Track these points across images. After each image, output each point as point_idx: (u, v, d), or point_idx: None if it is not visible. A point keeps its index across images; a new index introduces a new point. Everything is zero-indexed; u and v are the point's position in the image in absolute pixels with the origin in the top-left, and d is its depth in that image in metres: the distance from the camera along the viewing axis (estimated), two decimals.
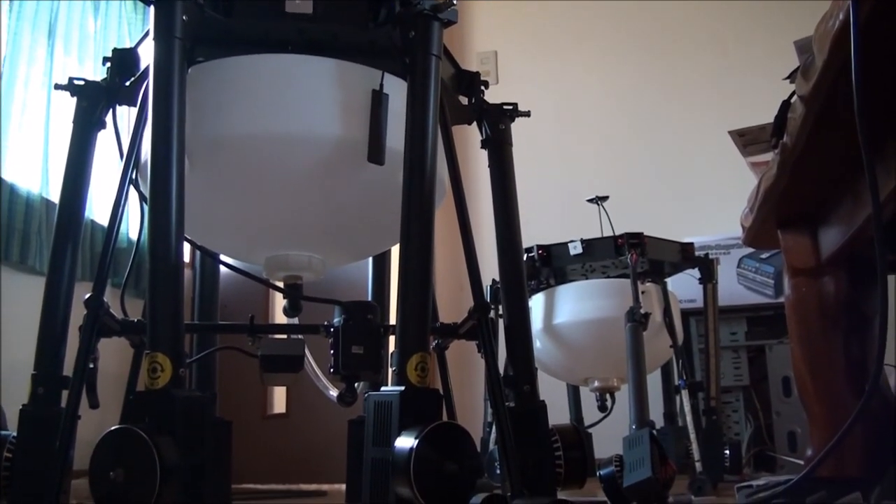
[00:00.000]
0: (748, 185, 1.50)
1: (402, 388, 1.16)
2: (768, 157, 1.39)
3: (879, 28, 0.83)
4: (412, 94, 1.33)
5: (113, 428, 1.06)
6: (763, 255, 3.06)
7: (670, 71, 3.80)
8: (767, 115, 1.24)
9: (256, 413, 3.46)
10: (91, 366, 1.31)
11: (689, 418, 2.31)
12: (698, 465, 2.19)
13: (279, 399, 3.51)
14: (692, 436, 2.25)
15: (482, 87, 1.63)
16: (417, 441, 1.04)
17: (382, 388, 1.23)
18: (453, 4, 1.38)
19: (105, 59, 1.54)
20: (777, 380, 2.93)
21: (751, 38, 3.69)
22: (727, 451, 2.37)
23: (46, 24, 2.84)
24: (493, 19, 4.13)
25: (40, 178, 2.72)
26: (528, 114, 1.65)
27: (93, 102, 1.53)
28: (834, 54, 0.91)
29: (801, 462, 2.26)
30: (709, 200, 3.51)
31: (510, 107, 1.65)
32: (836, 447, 1.08)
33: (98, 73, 1.58)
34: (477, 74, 1.63)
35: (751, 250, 3.03)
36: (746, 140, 1.48)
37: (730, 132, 1.50)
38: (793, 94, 1.11)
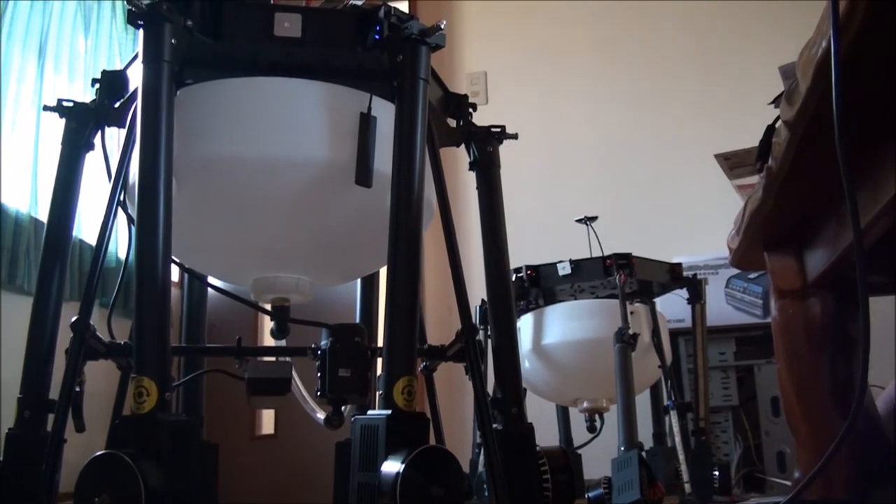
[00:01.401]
0: (735, 206, 1.51)
1: (389, 411, 1.15)
2: (754, 179, 1.40)
3: (861, 56, 0.83)
4: (400, 117, 1.34)
5: (98, 453, 1.05)
6: (751, 276, 3.07)
7: (658, 93, 3.82)
8: (753, 139, 1.25)
9: (245, 434, 3.45)
10: (77, 389, 1.31)
11: (677, 439, 2.31)
12: (687, 487, 2.18)
13: (268, 420, 3.49)
14: (681, 456, 2.25)
15: (470, 110, 1.64)
16: (404, 465, 1.04)
17: (369, 412, 1.23)
18: (441, 29, 1.39)
19: (94, 81, 1.54)
20: (766, 400, 2.93)
21: (737, 63, 3.72)
22: (716, 472, 2.36)
23: (37, 42, 2.84)
24: (484, 41, 4.15)
25: (29, 198, 2.71)
26: (515, 136, 1.66)
27: (81, 124, 1.53)
28: (817, 80, 0.91)
29: (790, 483, 2.26)
30: (697, 221, 3.53)
31: (498, 129, 1.65)
32: (821, 471, 1.08)
33: (88, 92, 1.58)
34: (465, 97, 1.64)
35: (739, 271, 3.04)
36: (732, 163, 1.49)
37: (716, 155, 1.51)
38: (777, 118, 1.12)
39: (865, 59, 0.85)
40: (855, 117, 0.93)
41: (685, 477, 2.20)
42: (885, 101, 0.94)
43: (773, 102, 1.16)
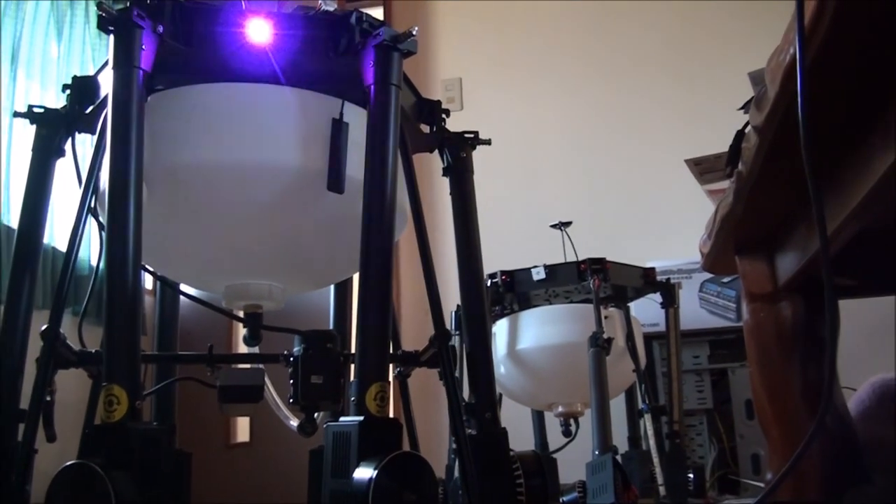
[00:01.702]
0: (707, 210, 1.52)
1: (361, 418, 1.15)
2: (724, 185, 1.41)
3: (827, 63, 0.84)
4: (372, 123, 1.34)
5: (68, 463, 1.04)
6: (725, 280, 3.09)
7: (631, 99, 3.84)
8: (724, 144, 1.26)
9: (219, 442, 3.43)
10: (48, 398, 1.29)
11: (652, 442, 2.32)
12: (662, 490, 2.19)
13: (242, 428, 3.47)
14: (656, 460, 2.26)
15: (443, 116, 1.64)
16: (376, 472, 1.03)
17: (342, 419, 1.22)
18: (413, 35, 1.39)
19: (65, 87, 1.53)
20: (740, 403, 2.95)
21: (708, 69, 3.75)
22: (691, 475, 2.37)
23: (10, 48, 2.82)
24: (458, 47, 4.16)
25: (1, 205, 2.69)
26: (488, 142, 1.67)
27: (52, 130, 1.52)
28: (785, 87, 0.92)
29: (764, 485, 2.27)
30: (670, 226, 3.55)
31: (471, 135, 1.66)
32: (791, 470, 1.09)
33: (60, 98, 1.57)
34: (438, 103, 1.64)
35: (712, 275, 3.05)
36: (703, 168, 1.50)
37: (686, 161, 1.52)
38: (747, 124, 1.13)
39: (832, 66, 0.86)
40: (824, 122, 0.94)
41: (660, 480, 2.21)
42: (853, 106, 0.95)
43: (742, 108, 1.17)
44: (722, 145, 1.34)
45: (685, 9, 3.86)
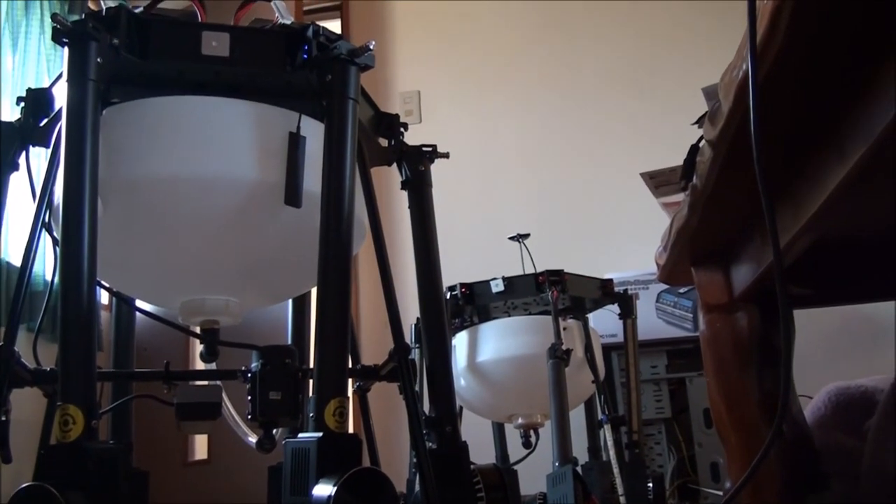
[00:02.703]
0: (663, 222, 1.53)
1: (320, 434, 1.14)
2: (679, 197, 1.42)
3: (780, 77, 0.86)
4: (329, 136, 1.33)
5: (24, 485, 1.02)
6: (681, 290, 3.12)
7: (588, 113, 3.88)
8: (678, 157, 1.28)
9: (177, 460, 3.38)
10: (3, 418, 1.27)
11: (612, 452, 2.33)
12: (622, 500, 2.20)
13: (201, 446, 3.43)
14: (616, 470, 2.27)
15: (402, 129, 1.64)
16: (335, 488, 1.03)
17: (300, 435, 1.22)
18: (370, 49, 1.39)
19: (20, 99, 1.51)
20: (698, 411, 2.97)
21: (662, 83, 3.80)
22: (650, 485, 2.39)
23: None
24: (417, 60, 4.17)
25: None
26: (447, 155, 1.67)
27: (6, 144, 1.49)
28: (738, 102, 0.93)
29: (723, 493, 2.29)
30: (627, 237, 3.57)
31: (429, 148, 1.66)
32: (750, 478, 1.10)
33: (14, 109, 1.54)
34: (396, 116, 1.64)
35: (668, 286, 3.08)
36: (658, 182, 1.51)
37: (642, 174, 1.53)
38: (701, 138, 1.14)
39: (784, 81, 0.88)
40: (777, 135, 0.95)
41: (620, 490, 2.22)
42: (805, 119, 0.96)
43: (696, 122, 1.18)
44: (676, 159, 1.36)
45: (640, 24, 3.91)
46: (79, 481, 1.06)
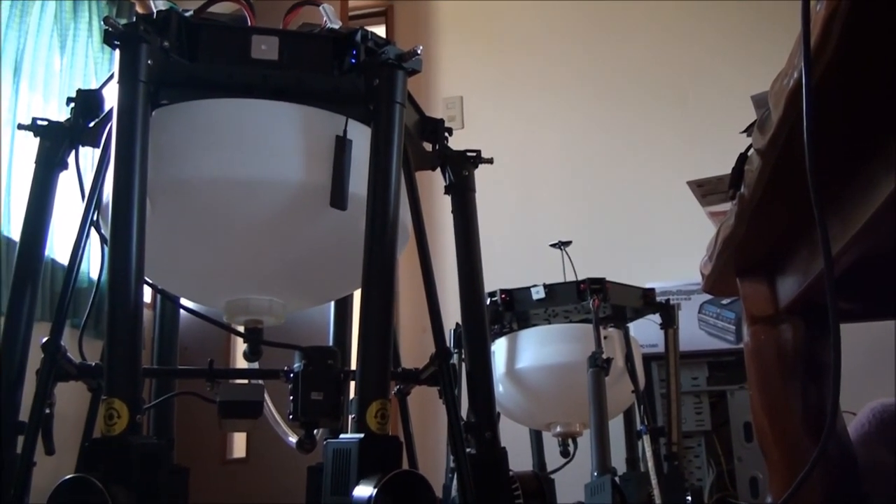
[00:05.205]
0: (708, 232, 1.52)
1: (362, 435, 1.15)
2: (726, 207, 1.41)
3: (831, 85, 0.85)
4: (376, 140, 1.34)
5: (67, 476, 1.04)
6: (724, 301, 3.09)
7: (632, 119, 3.86)
8: (726, 166, 1.27)
9: (216, 458, 3.41)
10: (48, 411, 1.29)
11: (650, 464, 2.31)
12: None
13: (239, 444, 3.46)
14: (654, 482, 2.25)
15: (446, 134, 1.65)
16: (376, 490, 1.03)
17: (342, 436, 1.22)
18: (417, 54, 1.39)
19: (69, 100, 1.54)
20: (738, 425, 2.94)
21: (711, 91, 3.76)
22: (689, 498, 2.36)
23: (12, 60, 2.83)
24: (460, 66, 4.17)
25: (1, 217, 2.69)
26: (490, 161, 1.67)
27: (56, 143, 1.52)
28: (789, 110, 0.92)
29: None
30: (670, 247, 3.55)
31: (473, 154, 1.66)
32: (793, 495, 1.08)
33: (63, 111, 1.57)
34: (441, 121, 1.64)
35: (711, 296, 3.05)
36: (705, 190, 1.50)
37: (688, 182, 1.52)
38: (749, 146, 1.13)
39: (836, 89, 0.87)
40: (826, 146, 0.94)
41: (658, 502, 2.20)
42: (855, 130, 0.95)
43: (745, 131, 1.17)
44: (723, 167, 1.35)
45: (688, 30, 3.88)
46: (122, 475, 1.07)
